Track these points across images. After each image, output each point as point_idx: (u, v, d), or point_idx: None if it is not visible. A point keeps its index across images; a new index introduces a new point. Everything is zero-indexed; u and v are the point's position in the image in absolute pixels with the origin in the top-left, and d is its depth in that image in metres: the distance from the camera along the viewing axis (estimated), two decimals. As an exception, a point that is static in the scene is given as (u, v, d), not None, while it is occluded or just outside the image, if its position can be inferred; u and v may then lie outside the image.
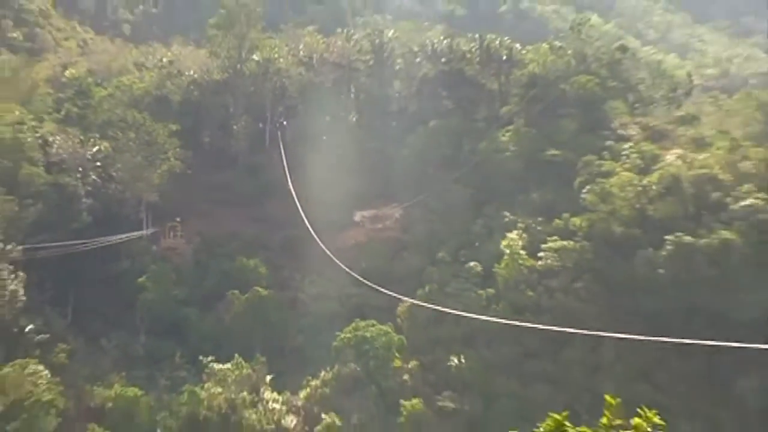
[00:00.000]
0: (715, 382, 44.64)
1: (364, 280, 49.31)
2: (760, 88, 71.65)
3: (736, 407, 43.60)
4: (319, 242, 50.55)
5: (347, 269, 49.66)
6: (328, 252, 50.04)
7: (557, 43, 69.21)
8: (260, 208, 62.47)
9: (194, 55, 75.16)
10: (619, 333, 35.83)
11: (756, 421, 42.77)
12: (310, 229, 50.86)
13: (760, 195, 50.12)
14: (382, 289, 47.42)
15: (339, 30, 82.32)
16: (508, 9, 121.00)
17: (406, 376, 48.98)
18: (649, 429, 6.20)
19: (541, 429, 6.63)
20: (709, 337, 32.06)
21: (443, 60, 71.09)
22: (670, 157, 52.73)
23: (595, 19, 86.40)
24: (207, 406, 46.19)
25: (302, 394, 48.54)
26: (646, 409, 6.32)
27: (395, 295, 47.94)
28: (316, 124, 70.67)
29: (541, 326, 39.42)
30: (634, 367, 45.43)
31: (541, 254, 50.65)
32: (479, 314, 43.62)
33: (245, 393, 47.54)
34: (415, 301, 48.82)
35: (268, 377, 48.84)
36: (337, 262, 49.98)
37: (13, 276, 49.42)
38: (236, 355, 47.58)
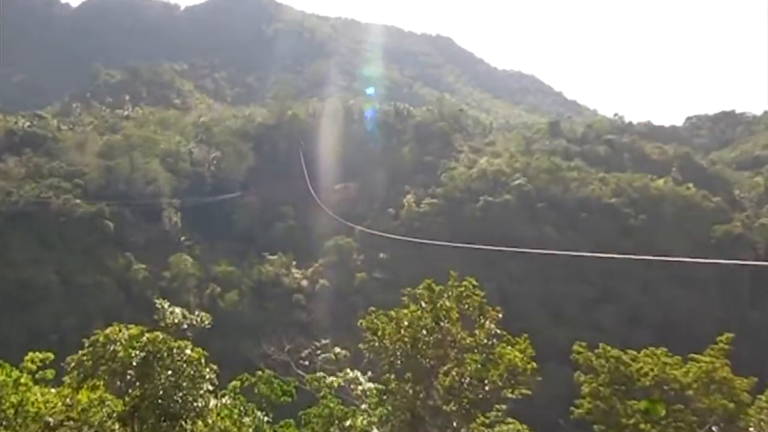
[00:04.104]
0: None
1: (337, 217, 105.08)
2: (522, 129, 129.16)
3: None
4: (316, 198, 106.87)
5: (329, 211, 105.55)
6: (320, 202, 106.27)
7: (431, 107, 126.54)
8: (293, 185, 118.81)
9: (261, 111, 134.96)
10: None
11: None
12: (312, 193, 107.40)
13: (523, 179, 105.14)
14: (345, 221, 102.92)
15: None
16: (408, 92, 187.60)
17: (358, 262, 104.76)
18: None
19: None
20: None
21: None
22: (481, 161, 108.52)
23: (447, 96, 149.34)
24: (265, 275, 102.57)
25: (309, 271, 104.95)
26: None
27: (351, 224, 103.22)
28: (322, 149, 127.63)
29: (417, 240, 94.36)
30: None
31: (421, 205, 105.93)
32: (393, 234, 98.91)
33: (283, 269, 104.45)
34: (361, 227, 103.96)
35: (294, 263, 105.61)
36: (324, 207, 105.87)
37: (175, 213, 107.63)
38: (279, 253, 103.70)
